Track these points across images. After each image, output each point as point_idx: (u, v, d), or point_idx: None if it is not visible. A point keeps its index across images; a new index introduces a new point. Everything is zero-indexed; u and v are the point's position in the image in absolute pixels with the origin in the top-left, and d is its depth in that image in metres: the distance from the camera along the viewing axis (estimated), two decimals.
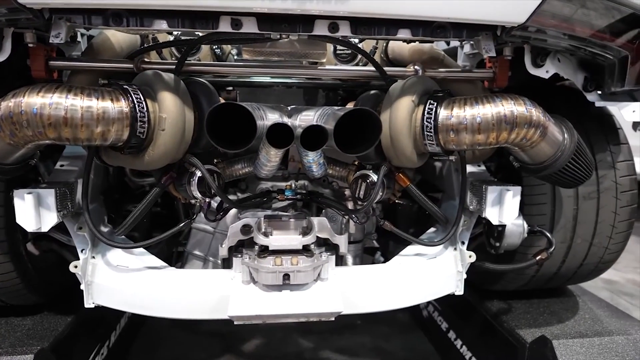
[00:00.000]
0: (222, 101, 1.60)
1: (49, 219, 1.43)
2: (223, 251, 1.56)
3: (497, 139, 1.38)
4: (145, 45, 1.74)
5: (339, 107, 1.50)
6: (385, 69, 1.58)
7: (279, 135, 1.22)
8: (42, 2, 1.15)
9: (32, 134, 1.20)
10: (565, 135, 1.53)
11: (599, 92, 1.68)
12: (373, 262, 2.17)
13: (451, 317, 2.42)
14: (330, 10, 1.18)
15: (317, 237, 1.54)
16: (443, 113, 1.40)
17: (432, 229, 1.86)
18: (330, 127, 1.27)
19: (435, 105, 1.41)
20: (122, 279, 1.54)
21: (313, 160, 1.49)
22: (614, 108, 1.89)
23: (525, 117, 1.37)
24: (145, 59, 1.50)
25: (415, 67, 1.59)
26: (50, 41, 1.26)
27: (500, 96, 1.40)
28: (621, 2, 1.37)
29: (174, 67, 1.48)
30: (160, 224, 2.03)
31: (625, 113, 1.74)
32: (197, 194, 1.48)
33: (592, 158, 1.72)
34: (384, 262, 2.15)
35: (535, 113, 1.39)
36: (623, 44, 1.47)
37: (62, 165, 1.65)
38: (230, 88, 1.84)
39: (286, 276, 1.43)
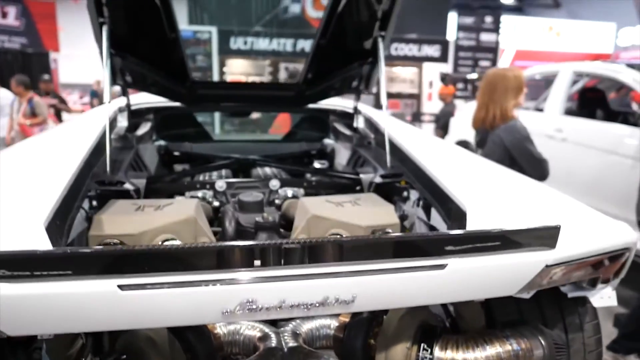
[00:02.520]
0: None
1: None
2: None
3: None
4: None
5: None
6: None
7: None
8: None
9: None
10: (544, 343, 1.64)
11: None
12: None
13: None
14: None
15: None
16: (437, 356, 1.46)
17: None
18: None
19: (429, 350, 1.47)
20: None
21: None
22: None
23: None
24: None
25: None
26: None
27: (488, 339, 1.48)
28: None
29: None
30: None
31: (595, 301, 1.88)
32: None
33: (565, 338, 1.84)
34: None
35: (521, 354, 1.48)
36: None
37: None
38: None
39: None
